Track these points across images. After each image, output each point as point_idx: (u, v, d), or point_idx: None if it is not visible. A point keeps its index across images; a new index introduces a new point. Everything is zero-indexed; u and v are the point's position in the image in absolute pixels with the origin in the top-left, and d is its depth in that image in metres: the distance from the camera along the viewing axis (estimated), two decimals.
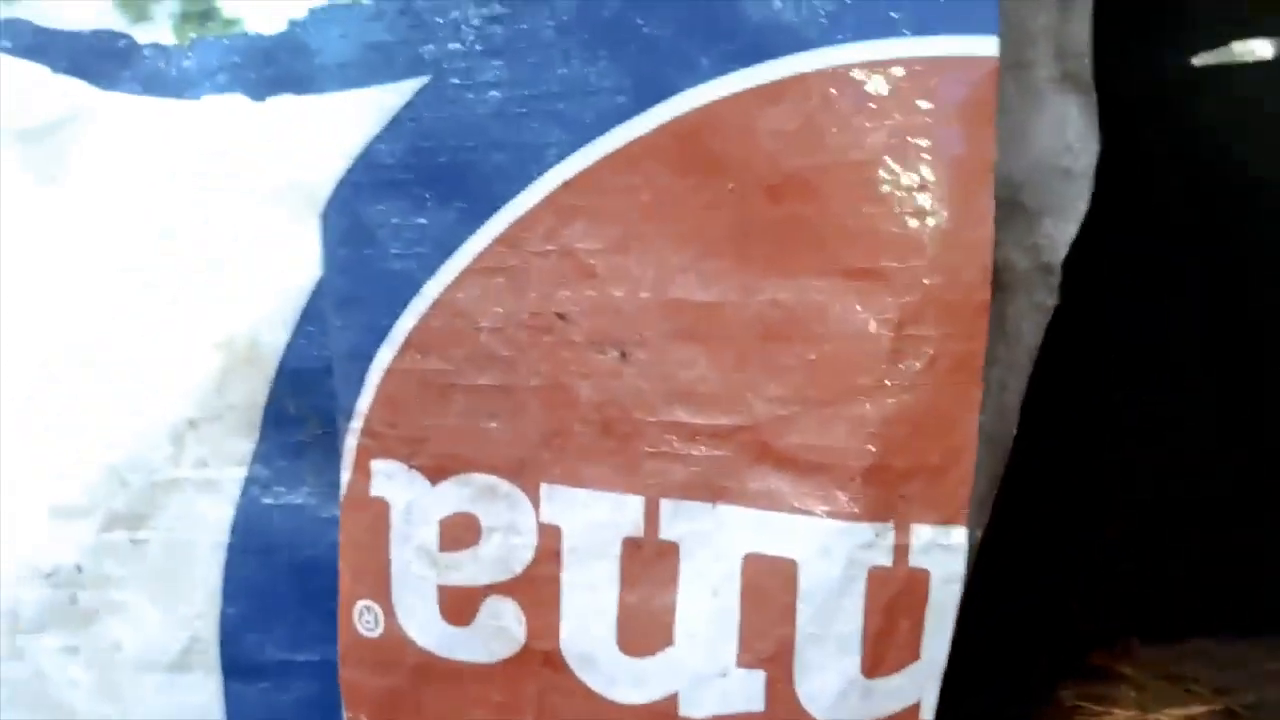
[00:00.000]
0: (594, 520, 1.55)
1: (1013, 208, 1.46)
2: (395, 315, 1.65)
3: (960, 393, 1.41)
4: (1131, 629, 2.09)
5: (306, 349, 1.80)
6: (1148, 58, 2.15)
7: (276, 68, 1.79)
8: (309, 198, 1.73)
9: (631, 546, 1.51)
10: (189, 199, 1.80)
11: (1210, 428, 2.19)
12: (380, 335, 1.67)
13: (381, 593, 1.68)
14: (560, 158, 1.56)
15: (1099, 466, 2.18)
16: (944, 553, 1.38)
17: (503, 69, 1.59)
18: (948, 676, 1.42)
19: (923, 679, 1.43)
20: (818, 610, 1.42)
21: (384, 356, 1.68)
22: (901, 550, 1.40)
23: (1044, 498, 2.01)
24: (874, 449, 1.43)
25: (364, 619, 1.71)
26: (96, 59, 1.87)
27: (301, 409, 1.83)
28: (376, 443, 1.68)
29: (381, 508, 1.67)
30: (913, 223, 1.41)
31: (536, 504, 1.59)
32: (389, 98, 1.67)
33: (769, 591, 1.45)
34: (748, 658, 1.48)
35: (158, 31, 1.86)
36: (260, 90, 1.80)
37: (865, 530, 1.39)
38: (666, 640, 1.51)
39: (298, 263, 1.79)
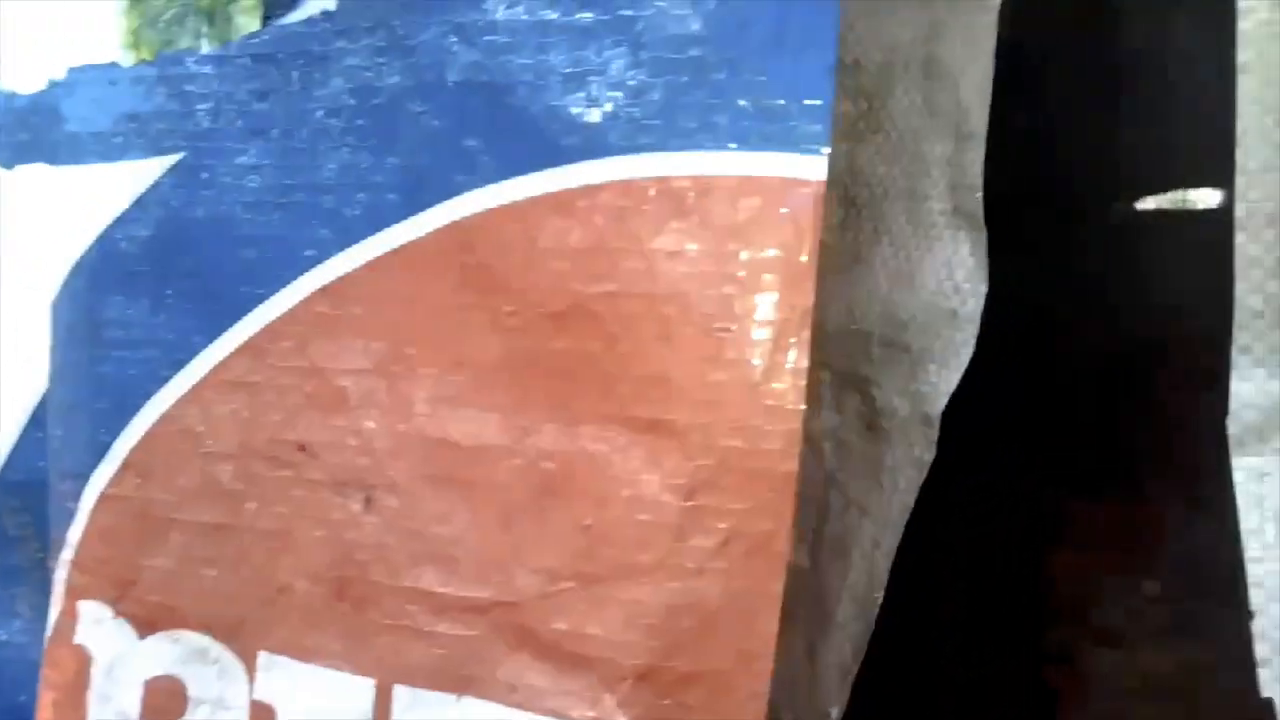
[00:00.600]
0: (315, 704, 1.19)
1: (896, 350, 1.18)
2: (116, 431, 1.29)
3: (759, 582, 1.09)
4: None
5: (32, 459, 1.48)
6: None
7: (29, 132, 1.49)
8: (46, 283, 1.42)
9: None
10: None
11: None
12: (98, 453, 1.32)
13: None
14: (320, 259, 1.23)
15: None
16: None
17: (265, 152, 1.27)
18: None
19: None
20: None
21: (100, 478, 1.32)
22: None
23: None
24: (652, 644, 1.11)
25: None
26: None
27: (22, 527, 1.49)
28: (86, 579, 1.31)
29: (83, 660, 1.31)
30: (713, 372, 1.10)
31: (252, 674, 1.22)
32: (137, 176, 1.36)
33: None
34: None
35: None
36: (10, 157, 1.49)
37: None
38: None
39: (33, 356, 1.46)
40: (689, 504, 1.08)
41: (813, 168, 1.06)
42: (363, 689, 1.15)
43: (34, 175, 1.39)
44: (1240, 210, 1.00)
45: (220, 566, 1.19)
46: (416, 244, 1.18)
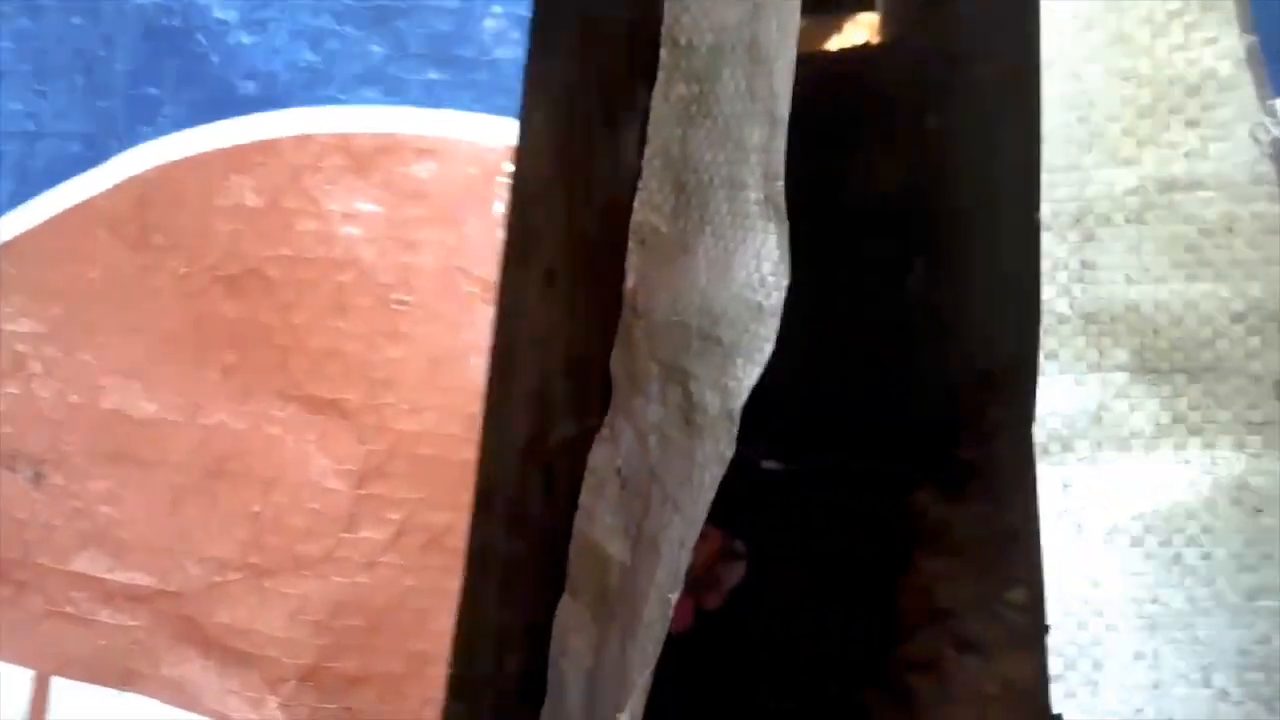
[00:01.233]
0: None
1: (711, 343, 1.03)
2: None
3: (434, 579, 0.92)
4: None
5: None
6: None
7: None
8: None
9: None
10: None
11: None
12: None
13: None
14: None
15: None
16: None
17: None
18: None
19: None
20: None
21: None
22: None
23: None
24: (318, 643, 0.96)
25: None
26: None
27: None
28: None
29: None
30: (389, 348, 0.95)
31: None
32: None
33: None
34: None
35: None
36: None
37: None
38: None
39: None
40: (360, 492, 0.92)
41: (502, 130, 0.90)
42: (20, 680, 1.00)
43: None
44: (1046, 210, 0.86)
45: None
46: (97, 200, 0.99)
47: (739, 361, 0.93)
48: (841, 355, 1.95)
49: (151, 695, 0.94)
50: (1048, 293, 0.82)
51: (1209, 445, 0.80)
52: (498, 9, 0.89)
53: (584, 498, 1.07)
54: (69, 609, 0.97)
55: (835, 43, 2.24)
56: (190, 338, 0.96)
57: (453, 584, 0.89)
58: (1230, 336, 0.79)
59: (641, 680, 0.92)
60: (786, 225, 1.00)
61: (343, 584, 0.89)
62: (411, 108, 0.90)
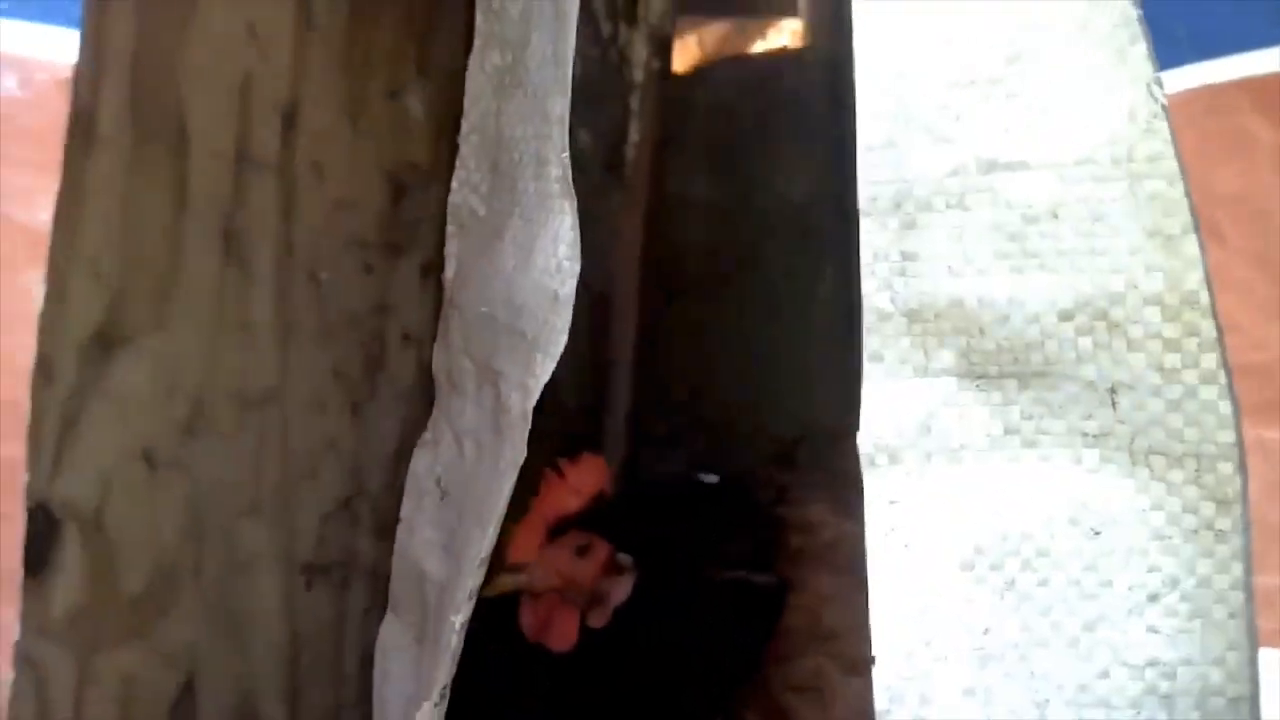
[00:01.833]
0: None
1: (515, 337, 0.93)
2: None
3: None
4: None
5: None
6: None
7: None
8: None
9: None
10: None
11: None
12: None
13: None
14: None
15: None
16: None
17: None
18: None
19: None
20: None
21: None
22: None
23: None
24: None
25: None
26: None
27: None
28: None
29: None
30: None
31: None
32: None
33: None
34: None
35: None
36: None
37: None
38: None
39: None
40: None
41: (63, 44, 0.78)
42: None
43: None
44: (864, 194, 0.75)
45: None
46: None
47: (538, 357, 0.84)
48: (751, 362, 1.87)
49: None
50: (869, 286, 0.73)
51: (1044, 459, 0.70)
52: None
53: (405, 508, 0.97)
54: None
55: (757, 47, 2.16)
56: None
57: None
58: (1059, 337, 0.70)
59: (425, 714, 0.82)
60: (575, 203, 0.91)
61: None
62: None
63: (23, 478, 0.82)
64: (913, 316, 0.71)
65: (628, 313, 1.67)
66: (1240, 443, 0.69)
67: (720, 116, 1.92)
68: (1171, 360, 0.69)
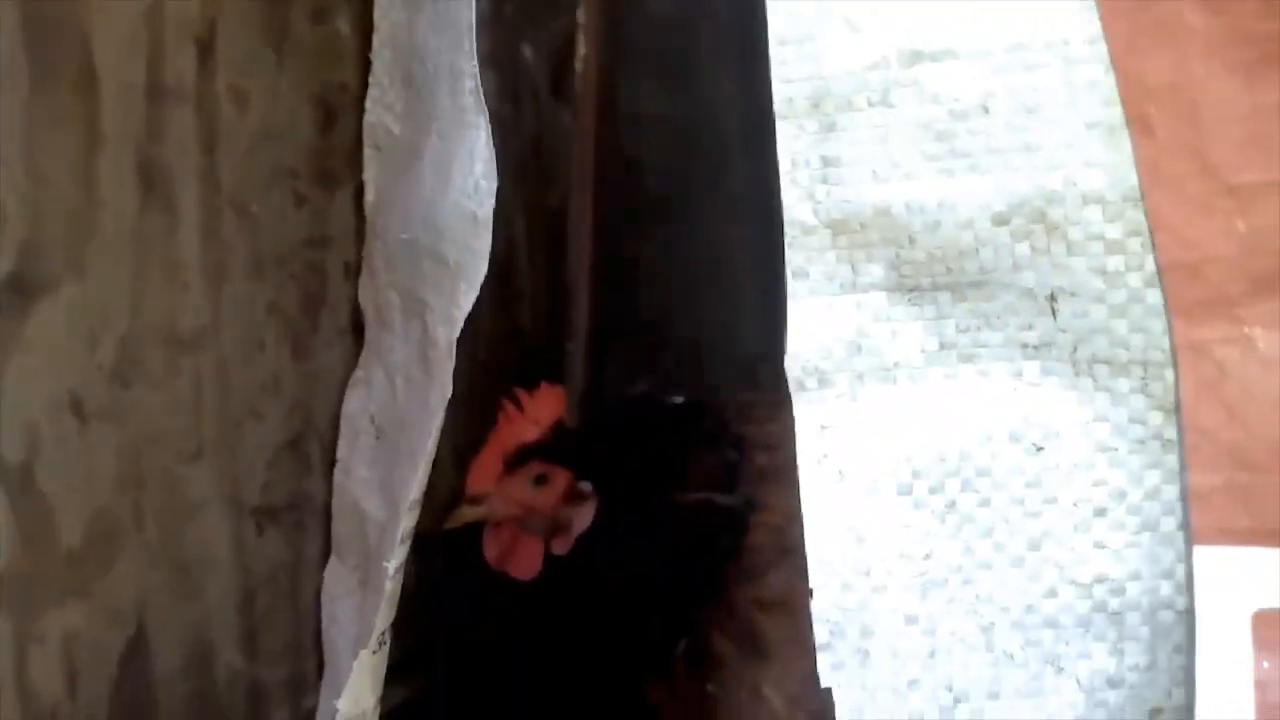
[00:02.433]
0: None
1: (438, 265, 0.87)
2: None
3: None
4: None
5: None
6: None
7: None
8: None
9: None
10: None
11: None
12: None
13: None
14: None
15: None
16: None
17: None
18: None
19: None
20: None
21: None
22: None
23: None
24: None
25: None
26: None
27: None
28: None
29: None
30: None
31: None
32: None
33: None
34: None
35: None
36: None
37: None
38: None
39: None
40: None
41: None
42: None
43: None
44: (779, 95, 0.68)
45: None
46: None
47: (462, 286, 0.78)
48: (716, 282, 1.81)
49: None
50: (790, 197, 0.67)
51: (983, 374, 0.65)
52: None
53: (340, 450, 0.93)
54: None
55: None
56: None
57: None
58: (994, 243, 0.64)
59: (362, 663, 0.79)
60: (488, 118, 0.84)
61: None
62: None
63: None
64: (837, 228, 0.66)
65: (583, 234, 1.60)
66: (1172, 344, 0.65)
67: (675, 27, 1.83)
68: (1114, 263, 0.64)
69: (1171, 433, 0.66)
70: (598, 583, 1.37)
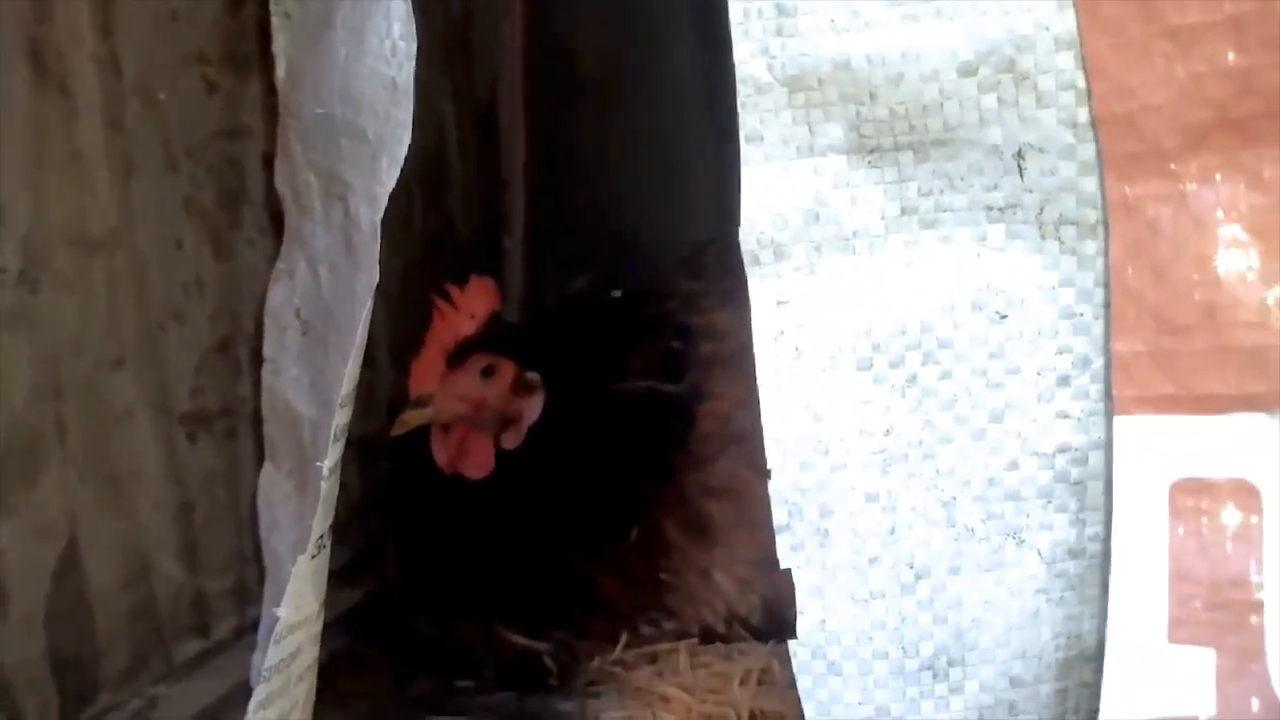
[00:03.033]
0: None
1: (356, 140, 0.78)
2: None
3: None
4: None
5: None
6: None
7: None
8: None
9: None
10: None
11: None
12: None
13: None
14: None
15: None
16: None
17: None
18: None
19: None
20: None
21: None
22: None
23: None
24: None
25: None
26: None
27: None
28: None
29: None
30: None
31: None
32: None
33: None
34: None
35: None
36: None
37: None
38: None
39: None
40: None
41: None
42: None
43: None
44: None
45: None
46: None
47: (384, 161, 0.71)
48: (657, 168, 1.75)
49: None
50: (741, 52, 0.60)
51: (945, 240, 0.61)
52: None
53: (267, 348, 0.86)
54: None
55: None
56: None
57: None
58: (960, 96, 0.59)
59: (301, 569, 0.74)
60: None
61: None
62: None
63: None
64: (793, 85, 0.60)
65: (516, 123, 1.52)
66: (1103, 199, 0.61)
67: None
68: (1086, 114, 0.60)
69: None
70: (549, 474, 1.34)
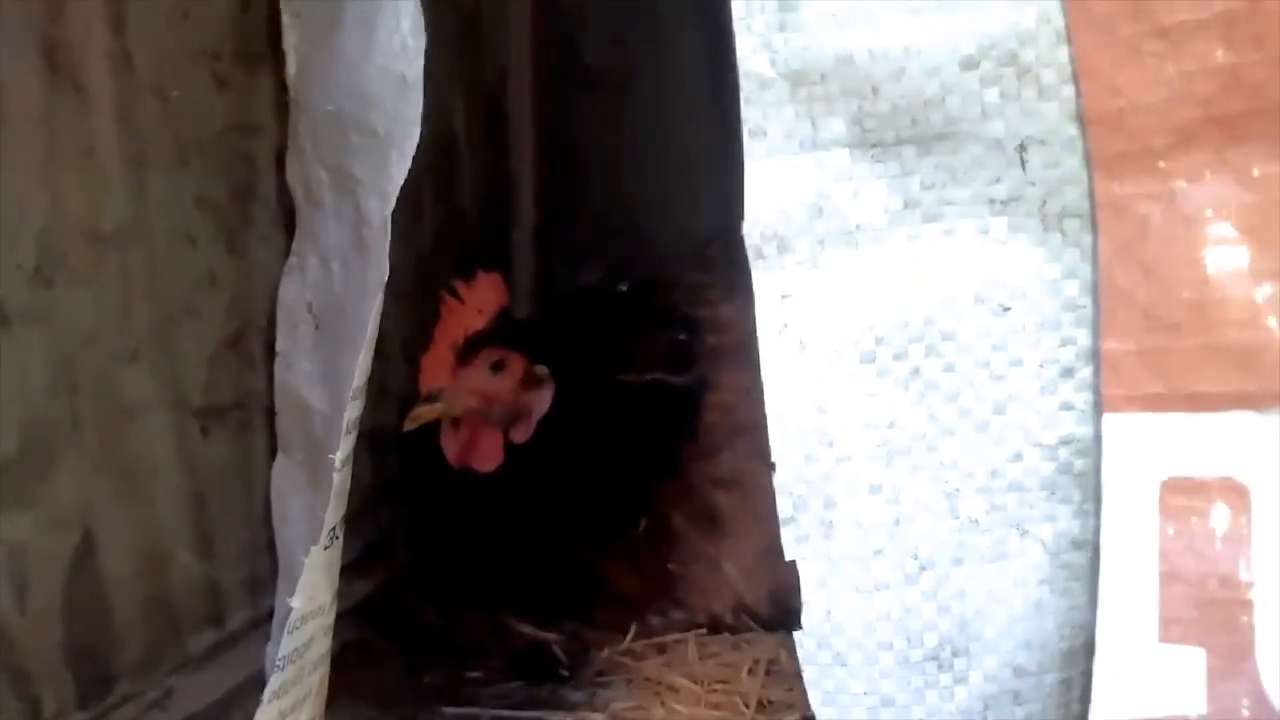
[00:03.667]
0: None
1: (366, 136, 0.78)
2: None
3: None
4: None
5: None
6: None
7: None
8: None
9: None
10: None
11: None
12: None
13: None
14: None
15: None
16: None
17: None
18: None
19: None
20: None
21: None
22: None
23: None
24: None
25: None
26: None
27: None
28: None
29: None
30: None
31: None
32: None
33: None
34: None
35: None
36: None
37: None
38: None
39: None
40: None
41: None
42: None
43: None
44: None
45: None
46: None
47: (394, 156, 0.71)
48: (666, 161, 1.74)
49: None
50: (744, 47, 0.61)
51: (948, 233, 0.61)
52: None
53: (280, 342, 0.87)
54: None
55: None
56: None
57: None
58: (962, 90, 0.59)
59: (314, 560, 0.75)
60: None
61: None
62: None
63: None
64: (796, 80, 0.60)
65: (525, 117, 1.51)
66: (1091, 198, 0.60)
67: None
68: None
69: None
70: (558, 467, 1.35)
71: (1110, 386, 0.64)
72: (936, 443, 0.64)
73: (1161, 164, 0.62)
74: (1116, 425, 0.64)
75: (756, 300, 0.63)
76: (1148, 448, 0.64)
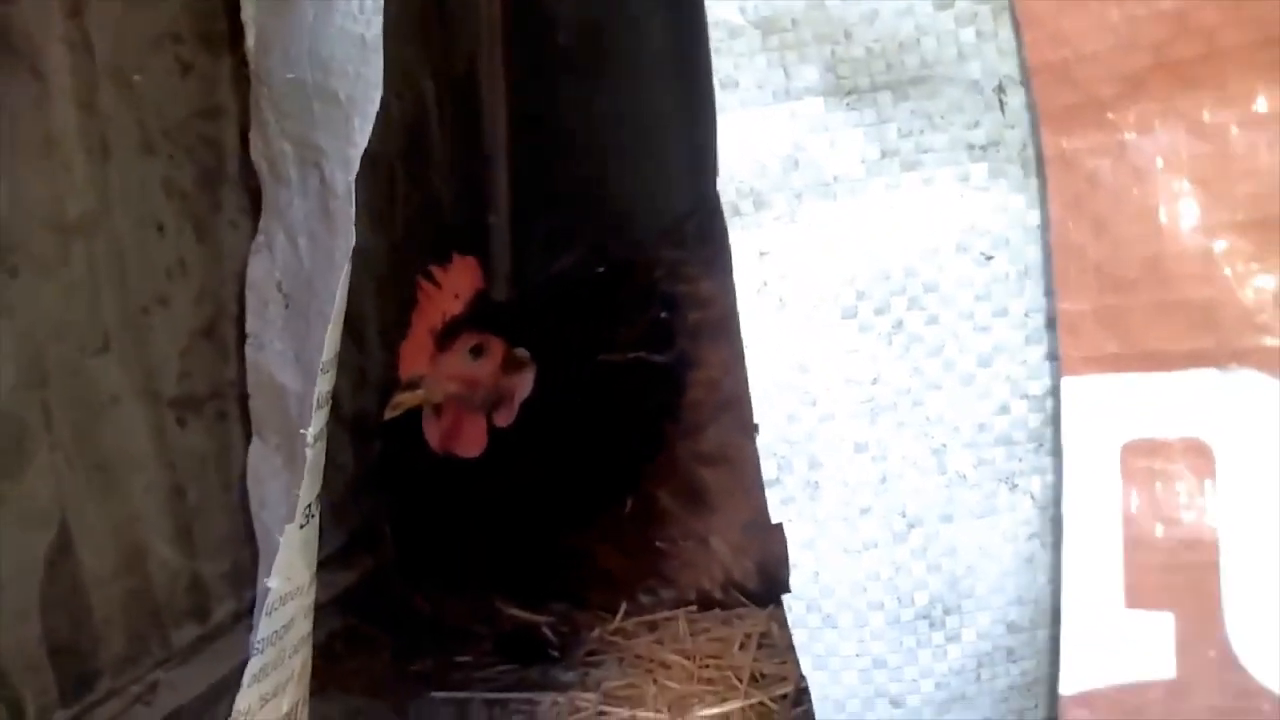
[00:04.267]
0: None
1: (329, 103, 0.75)
2: None
3: None
4: None
5: None
6: None
7: None
8: None
9: None
10: None
11: None
12: None
13: None
14: None
15: None
16: None
17: None
18: None
19: None
20: None
21: None
22: None
23: None
24: None
25: None
26: None
27: None
28: None
29: None
30: None
31: None
32: None
33: None
34: None
35: None
36: None
37: None
38: None
39: None
40: None
41: None
42: None
43: None
44: None
45: None
46: None
47: (356, 122, 0.68)
48: (641, 140, 1.72)
49: None
50: None
51: (927, 182, 0.58)
52: None
53: (250, 322, 0.84)
54: None
55: None
56: None
57: None
58: (937, 31, 0.57)
59: (290, 538, 0.72)
60: None
61: None
62: None
63: None
64: (767, 27, 0.57)
65: (498, 98, 1.49)
66: (1039, 153, 0.58)
67: None
68: None
69: None
70: (542, 449, 1.33)
71: (1068, 348, 0.61)
72: (922, 397, 0.62)
73: (1110, 115, 0.59)
74: (1075, 388, 0.61)
75: (734, 259, 0.61)
76: (1108, 410, 0.61)
